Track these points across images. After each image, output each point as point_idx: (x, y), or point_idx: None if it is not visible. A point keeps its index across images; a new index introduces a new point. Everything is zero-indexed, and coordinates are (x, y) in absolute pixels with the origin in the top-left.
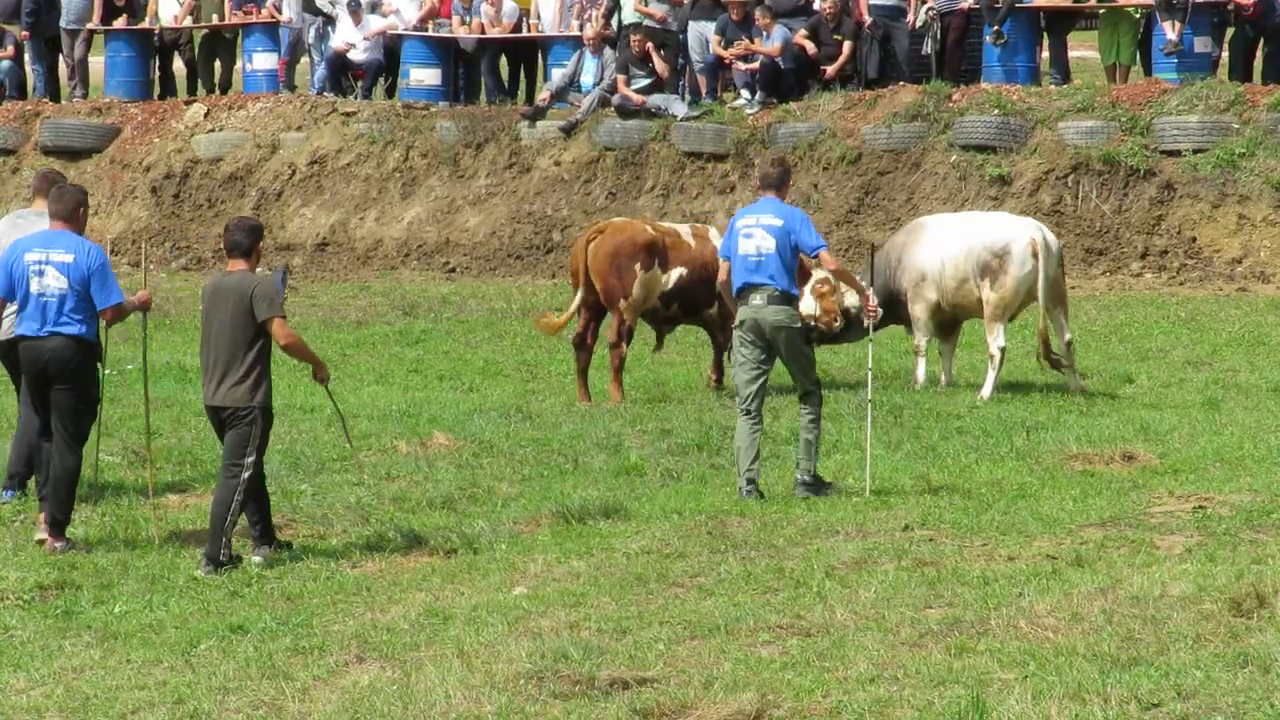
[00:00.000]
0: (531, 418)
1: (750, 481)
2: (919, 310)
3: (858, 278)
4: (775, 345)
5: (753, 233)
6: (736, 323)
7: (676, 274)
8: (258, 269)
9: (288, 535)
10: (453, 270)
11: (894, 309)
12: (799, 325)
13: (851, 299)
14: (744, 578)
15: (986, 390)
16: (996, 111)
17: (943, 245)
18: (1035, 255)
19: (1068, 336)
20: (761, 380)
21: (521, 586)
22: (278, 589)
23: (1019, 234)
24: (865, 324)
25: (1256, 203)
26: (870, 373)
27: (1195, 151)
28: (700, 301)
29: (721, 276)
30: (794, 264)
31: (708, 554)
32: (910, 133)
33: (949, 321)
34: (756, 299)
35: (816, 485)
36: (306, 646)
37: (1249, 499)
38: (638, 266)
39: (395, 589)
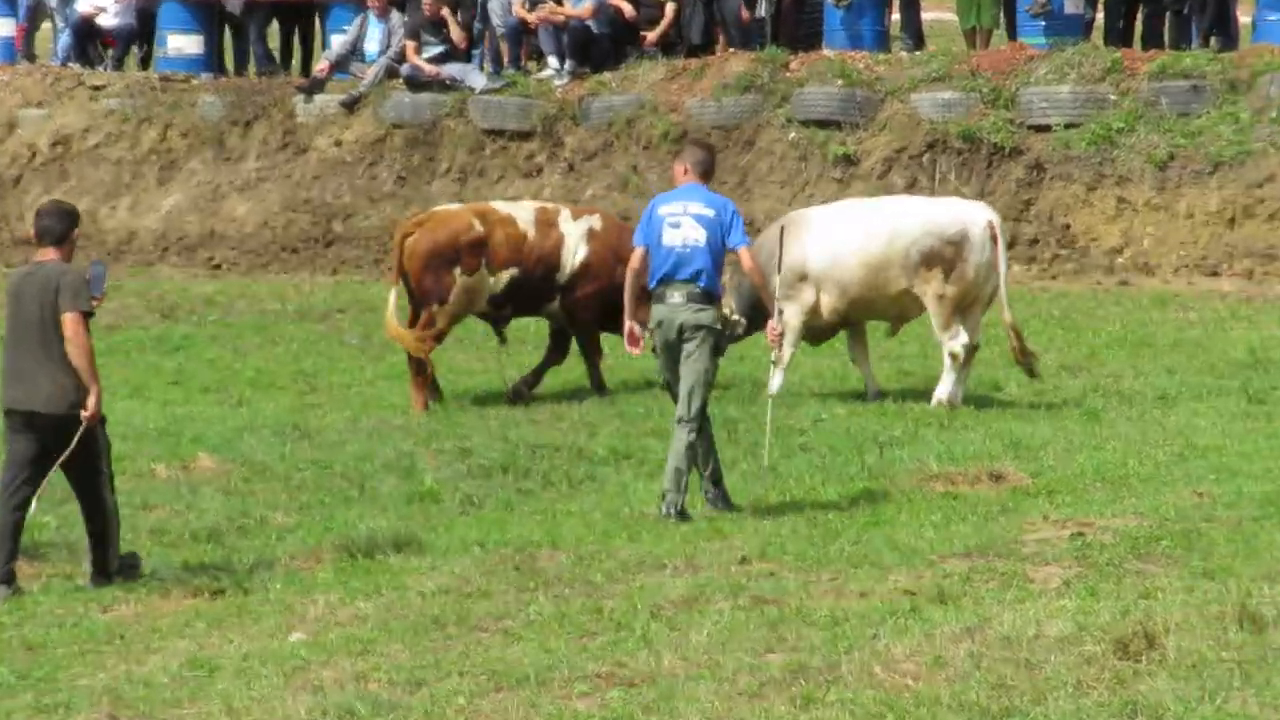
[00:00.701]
0: (310, 436)
1: (715, 482)
2: (791, 314)
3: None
4: (682, 347)
5: (680, 221)
6: (653, 324)
7: (509, 275)
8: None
9: (28, 574)
10: (218, 266)
11: (759, 315)
12: (718, 330)
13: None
14: (557, 619)
15: (944, 391)
16: (840, 82)
17: (840, 238)
18: (995, 240)
19: (978, 338)
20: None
21: (299, 632)
22: (16, 637)
23: (976, 217)
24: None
25: (1138, 184)
26: (774, 364)
27: (1067, 126)
28: (540, 298)
29: (634, 264)
30: (723, 259)
31: (515, 593)
32: (742, 106)
33: (827, 329)
34: (675, 296)
35: (683, 515)
36: (50, 704)
37: (1134, 524)
38: (458, 270)
39: (153, 636)
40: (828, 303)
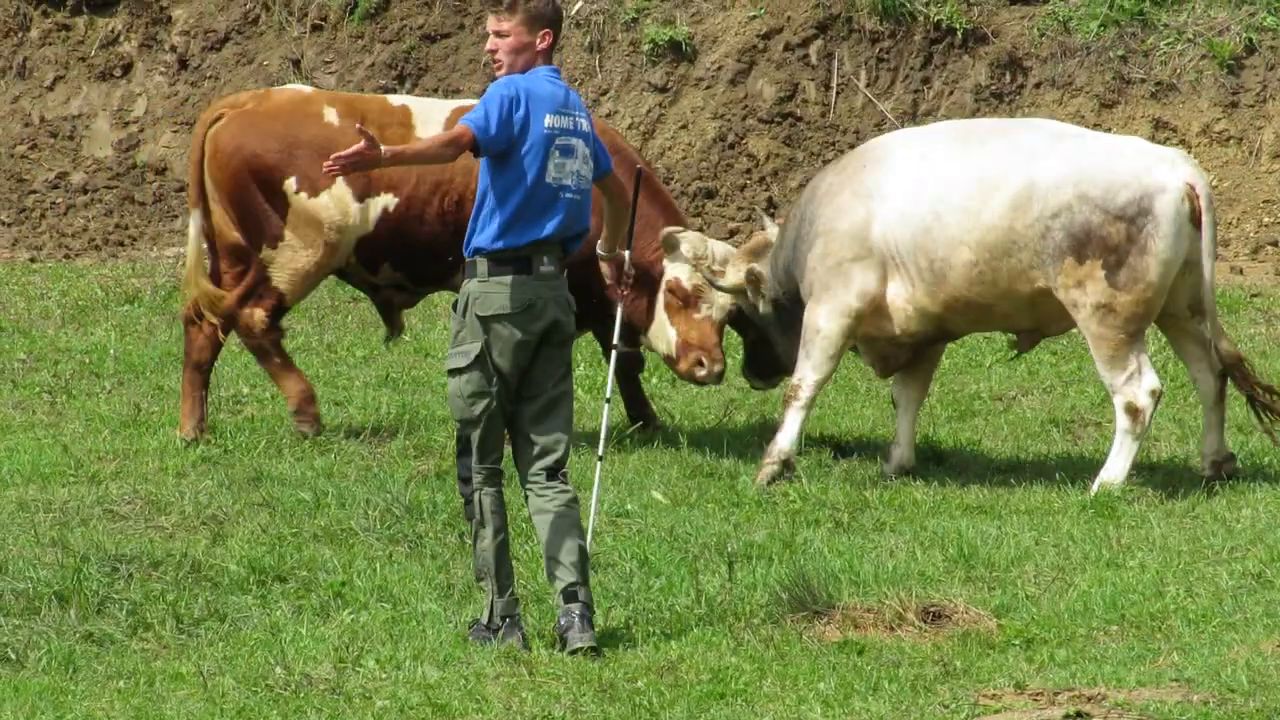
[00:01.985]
0: None
1: (508, 618)
2: (823, 316)
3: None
4: (543, 354)
5: (573, 146)
6: (500, 309)
7: (382, 205)
8: None
9: None
10: None
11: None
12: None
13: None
14: None
15: (1118, 470)
16: None
17: (936, 187)
18: (1195, 216)
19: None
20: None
21: None
22: None
23: (1168, 175)
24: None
25: (1191, 99)
26: (608, 403)
27: None
28: (451, 256)
29: (443, 143)
30: None
31: None
32: None
33: (902, 346)
34: (547, 264)
35: (588, 622)
36: None
37: (1175, 699)
38: (291, 183)
39: None
40: (909, 300)
